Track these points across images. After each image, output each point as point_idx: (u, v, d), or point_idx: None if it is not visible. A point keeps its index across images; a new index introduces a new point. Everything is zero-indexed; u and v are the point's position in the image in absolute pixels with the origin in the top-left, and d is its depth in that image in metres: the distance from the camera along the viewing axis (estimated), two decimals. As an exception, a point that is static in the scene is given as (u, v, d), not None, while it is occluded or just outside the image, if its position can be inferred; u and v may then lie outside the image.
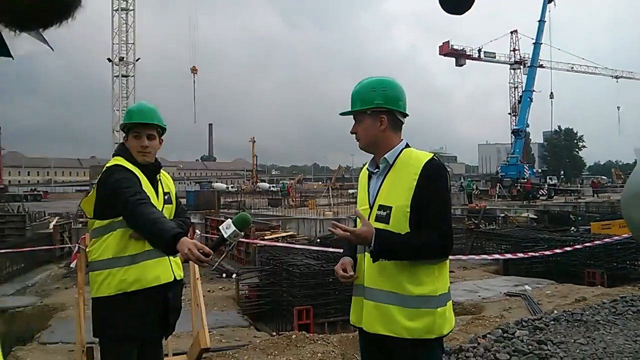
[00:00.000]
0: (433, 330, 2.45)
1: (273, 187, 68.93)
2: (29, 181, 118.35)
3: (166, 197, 3.29)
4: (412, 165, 2.53)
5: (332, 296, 9.87)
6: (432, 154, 2.63)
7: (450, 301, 2.60)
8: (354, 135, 2.71)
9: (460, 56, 64.89)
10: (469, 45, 65.13)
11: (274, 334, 9.13)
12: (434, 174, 2.52)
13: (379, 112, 2.62)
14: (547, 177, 61.38)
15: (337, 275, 2.68)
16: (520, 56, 65.13)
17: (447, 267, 2.62)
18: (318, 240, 19.01)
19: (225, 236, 2.61)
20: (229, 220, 2.65)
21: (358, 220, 2.62)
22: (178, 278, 3.25)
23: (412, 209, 2.48)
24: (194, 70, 50.14)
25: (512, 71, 67.01)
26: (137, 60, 40.01)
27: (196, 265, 5.08)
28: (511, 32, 65.84)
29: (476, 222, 21.02)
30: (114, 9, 39.59)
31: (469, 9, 2.48)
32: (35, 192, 72.80)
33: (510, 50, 66.53)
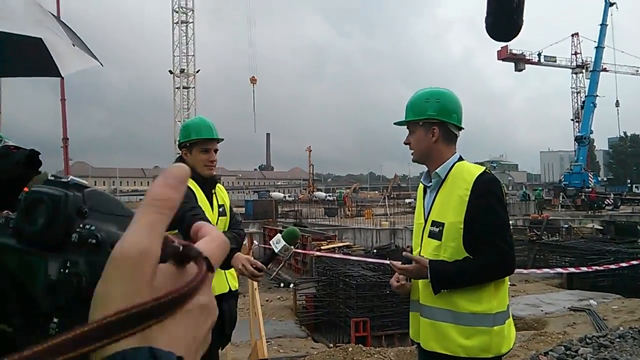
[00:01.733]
0: (490, 349, 2.41)
1: (329, 196, 69.14)
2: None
3: (221, 209, 3.41)
4: (464, 180, 2.50)
5: (389, 308, 9.83)
6: (485, 168, 2.59)
7: (510, 319, 2.55)
8: (408, 145, 2.71)
9: (519, 61, 63.32)
10: (528, 49, 63.34)
11: (331, 345, 9.18)
12: (486, 189, 2.47)
13: (430, 123, 2.61)
14: (634, 186, 58.63)
15: (392, 287, 2.73)
16: (582, 60, 62.99)
17: (506, 285, 2.56)
18: (374, 250, 18.95)
19: (276, 251, 2.75)
20: (279, 235, 2.76)
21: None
22: (233, 289, 3.34)
23: (466, 225, 2.44)
24: (253, 80, 50.98)
25: (574, 75, 64.93)
26: (197, 72, 41.18)
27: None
28: (572, 35, 63.80)
29: (538, 233, 20.43)
30: (174, 22, 40.91)
31: (516, 35, 2.47)
32: (102, 201, 75.70)
33: (572, 54, 64.50)
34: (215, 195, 3.42)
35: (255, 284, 6.45)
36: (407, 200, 49.70)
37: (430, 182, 2.68)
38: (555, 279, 14.68)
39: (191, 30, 41.18)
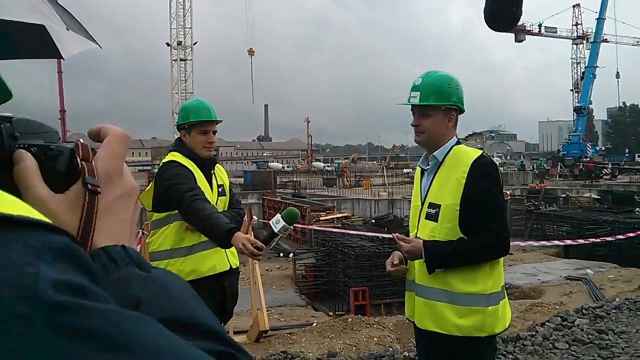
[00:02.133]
0: (483, 329, 2.46)
1: (328, 166, 69.17)
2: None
3: (220, 189, 3.44)
4: (461, 163, 2.52)
5: (387, 278, 9.92)
6: (481, 151, 2.62)
7: (505, 300, 2.60)
8: (415, 127, 2.66)
9: (519, 32, 62.47)
10: (528, 20, 62.57)
11: (331, 314, 9.31)
12: (483, 172, 2.49)
13: (450, 109, 2.61)
14: (636, 155, 58.49)
15: (387, 270, 2.75)
16: (583, 31, 62.35)
17: (501, 266, 2.60)
18: (373, 221, 19.07)
19: (276, 231, 2.78)
20: (278, 215, 2.81)
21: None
22: (234, 267, 3.39)
23: (462, 207, 2.46)
24: (250, 52, 50.49)
25: (575, 46, 64.33)
26: (194, 44, 40.67)
27: (251, 233, 5.32)
28: (573, 6, 63.00)
29: (536, 203, 20.53)
30: (172, -6, 40.27)
31: (514, 26, 2.47)
32: (100, 172, 75.56)
33: (573, 25, 63.82)
34: (215, 176, 3.44)
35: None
36: (405, 171, 49.76)
37: (428, 164, 2.69)
38: (552, 248, 14.81)
39: (188, 3, 40.52)
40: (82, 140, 0.64)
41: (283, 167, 69.57)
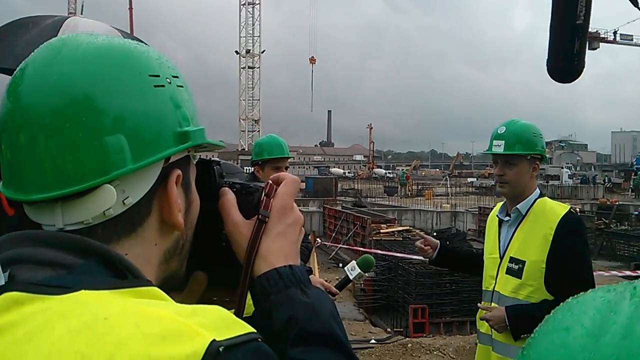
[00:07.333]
0: None
1: (389, 173, 68.79)
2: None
3: None
4: (548, 219, 2.45)
5: (448, 296, 9.80)
6: (569, 207, 2.55)
7: None
8: (498, 177, 2.62)
9: (593, 39, 60.05)
10: (602, 27, 60.24)
11: (389, 330, 9.29)
12: (572, 230, 2.43)
13: (535, 158, 2.58)
14: None
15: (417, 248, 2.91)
16: (662, 38, 59.61)
17: None
18: (434, 234, 18.84)
19: (351, 278, 2.80)
20: (354, 262, 2.84)
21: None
22: None
23: (548, 265, 2.40)
24: (312, 60, 51.15)
25: (653, 54, 61.51)
26: (262, 52, 41.46)
27: (315, 257, 5.44)
28: (652, 12, 60.29)
29: (607, 221, 19.69)
30: (241, 3, 41.21)
31: (577, 78, 2.44)
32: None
33: (652, 31, 61.02)
34: None
35: (316, 264, 6.65)
36: (470, 180, 48.89)
37: (507, 215, 2.65)
38: (623, 269, 14.21)
39: (257, 12, 41.38)
40: (270, 182, 0.85)
41: (344, 173, 69.82)
